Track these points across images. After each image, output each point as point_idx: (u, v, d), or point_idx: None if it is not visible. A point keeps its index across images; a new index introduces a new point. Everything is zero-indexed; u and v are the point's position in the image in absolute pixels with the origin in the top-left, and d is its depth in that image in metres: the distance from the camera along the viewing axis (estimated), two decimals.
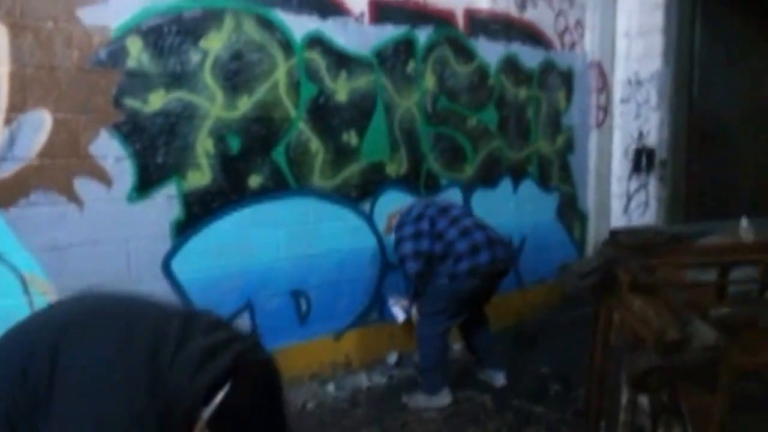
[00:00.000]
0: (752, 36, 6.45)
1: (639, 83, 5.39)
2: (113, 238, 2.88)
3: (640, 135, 5.41)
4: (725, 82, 6.04)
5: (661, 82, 5.28)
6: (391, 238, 3.54)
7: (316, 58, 3.54)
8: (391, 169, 3.99)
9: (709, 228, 3.85)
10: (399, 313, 3.79)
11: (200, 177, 3.12)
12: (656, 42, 5.27)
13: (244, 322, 3.34)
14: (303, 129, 3.51)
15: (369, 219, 3.91)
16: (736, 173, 6.25)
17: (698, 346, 1.28)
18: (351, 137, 3.74)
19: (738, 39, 6.22)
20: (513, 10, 4.63)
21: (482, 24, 4.42)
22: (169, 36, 2.96)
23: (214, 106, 3.13)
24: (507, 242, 3.46)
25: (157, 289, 3.02)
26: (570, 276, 1.81)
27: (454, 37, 4.26)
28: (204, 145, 3.11)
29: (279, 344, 3.48)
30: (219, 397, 1.17)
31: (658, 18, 5.24)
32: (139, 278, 2.97)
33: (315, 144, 3.57)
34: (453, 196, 4.38)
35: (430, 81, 4.14)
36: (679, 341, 1.32)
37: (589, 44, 5.29)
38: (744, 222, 3.27)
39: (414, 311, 3.57)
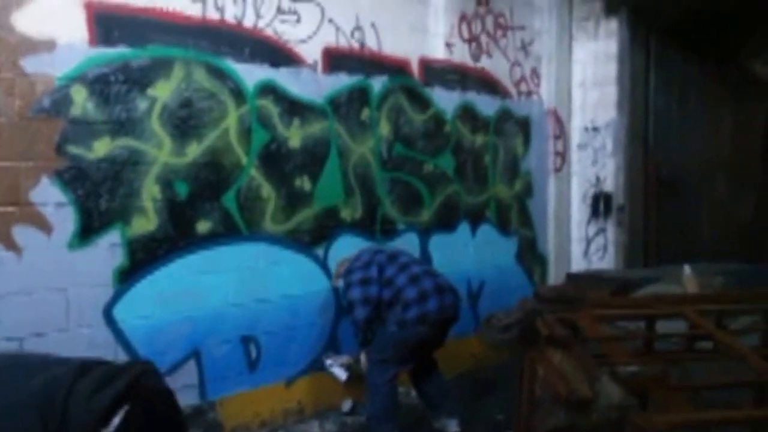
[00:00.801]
0: (705, 84, 6.69)
1: (595, 130, 5.52)
2: (52, 285, 2.82)
3: (598, 180, 5.51)
4: (680, 129, 6.22)
5: (617, 130, 5.41)
6: (341, 284, 3.51)
7: (269, 105, 3.57)
8: (346, 214, 3.99)
9: (659, 273, 3.91)
10: (341, 373, 3.67)
11: (146, 223, 3.08)
12: (611, 92, 5.43)
13: (190, 370, 3.26)
14: (254, 175, 3.51)
15: (323, 264, 3.88)
16: (693, 217, 6.37)
17: (604, 405, 1.26)
18: (304, 183, 3.75)
19: (692, 88, 6.43)
20: (468, 60, 4.74)
21: (437, 73, 4.52)
22: (115, 84, 2.97)
23: (162, 152, 3.13)
24: (454, 290, 3.43)
25: (98, 337, 2.94)
26: (491, 329, 1.79)
27: (410, 86, 4.34)
28: (150, 192, 3.09)
29: (227, 392, 3.41)
30: (117, 418, 1.30)
31: (611, 69, 5.41)
32: (79, 326, 2.89)
33: (267, 189, 3.57)
34: (410, 240, 4.39)
35: (385, 128, 4.19)
36: (586, 400, 1.30)
37: (546, 93, 5.42)
38: (687, 269, 3.32)
39: (363, 359, 3.50)
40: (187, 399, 3.22)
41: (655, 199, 5.82)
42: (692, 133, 6.39)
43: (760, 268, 4.94)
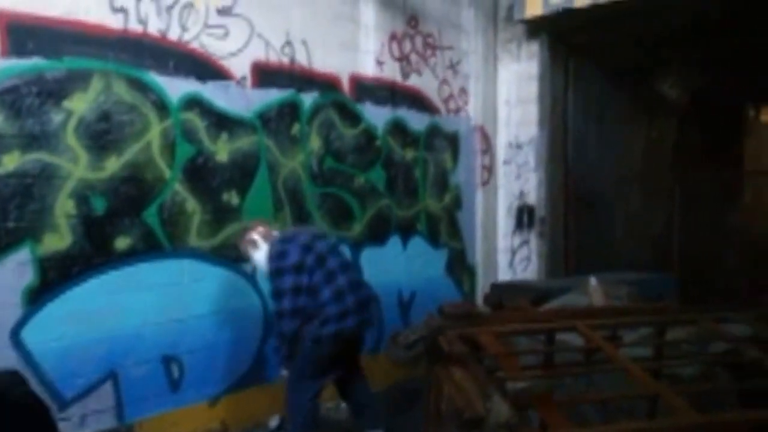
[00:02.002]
0: (620, 104, 6.98)
1: (519, 147, 5.64)
2: None
3: (521, 194, 5.62)
4: (597, 145, 6.45)
5: (538, 146, 5.54)
6: (258, 258, 3.28)
7: (194, 119, 3.43)
8: (275, 228, 3.88)
9: (572, 283, 4.01)
10: None
11: (59, 240, 2.89)
12: (532, 110, 5.55)
13: (106, 392, 3.07)
14: (178, 189, 3.36)
15: (251, 279, 3.77)
16: (609, 228, 6.61)
17: (493, 424, 1.25)
18: (232, 197, 3.63)
19: (607, 106, 6.70)
20: (398, 77, 4.75)
21: (368, 89, 4.49)
22: (28, 96, 2.78)
23: (78, 167, 2.94)
24: (376, 300, 3.39)
25: (4, 359, 2.72)
26: (397, 346, 1.76)
27: (340, 101, 4.29)
28: (64, 207, 2.90)
29: (147, 414, 3.24)
30: None
31: (533, 89, 5.54)
32: None
33: (192, 204, 3.42)
34: None
35: (315, 142, 4.12)
36: (478, 418, 1.28)
37: (473, 110, 5.49)
38: (593, 280, 3.41)
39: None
40: (103, 422, 3.05)
41: (574, 211, 6.00)
42: (608, 149, 6.64)
43: (664, 277, 5.17)
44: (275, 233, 3.31)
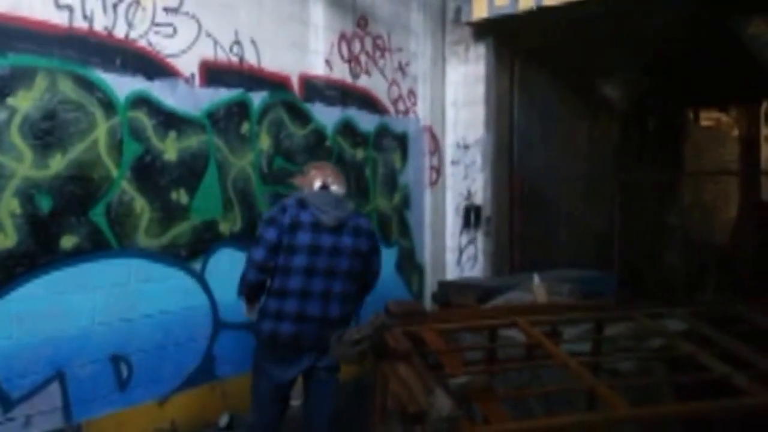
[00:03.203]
0: (564, 105, 7.36)
1: (466, 147, 5.91)
2: None
3: (469, 194, 5.89)
4: (542, 146, 6.79)
5: (484, 147, 5.82)
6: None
7: (142, 117, 3.50)
8: (225, 228, 3.99)
9: (517, 281, 4.27)
10: None
11: (3, 240, 2.91)
12: (479, 112, 5.83)
13: (53, 393, 3.11)
14: (126, 188, 3.42)
15: (201, 278, 3.86)
16: (553, 228, 6.98)
17: (435, 418, 1.38)
18: (181, 196, 3.71)
19: (552, 107, 7.06)
20: (348, 78, 4.92)
21: (317, 89, 4.64)
22: None
23: (22, 165, 2.98)
24: (330, 320, 2.95)
25: None
26: (343, 344, 1.90)
27: (290, 101, 4.42)
28: (8, 206, 2.93)
29: (95, 414, 3.29)
30: None
31: (479, 90, 5.82)
32: None
33: (140, 203, 3.49)
34: None
35: (265, 142, 4.24)
36: (419, 413, 1.42)
37: (422, 111, 5.73)
38: (536, 278, 3.67)
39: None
40: (50, 423, 3.09)
41: (519, 211, 6.31)
42: (553, 150, 7.00)
43: (605, 275, 5.52)
44: (317, 184, 3.09)
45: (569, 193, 7.26)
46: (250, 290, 3.04)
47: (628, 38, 6.92)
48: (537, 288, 3.54)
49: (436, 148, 5.88)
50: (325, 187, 3.10)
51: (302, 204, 2.95)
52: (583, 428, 1.94)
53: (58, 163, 3.12)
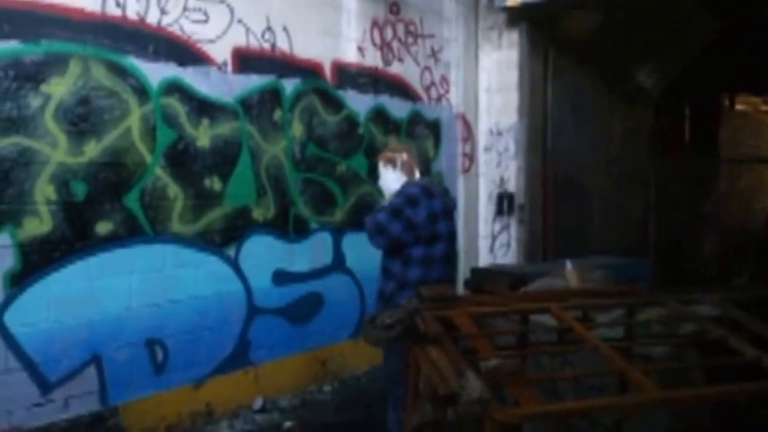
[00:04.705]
0: (598, 92, 7.03)
1: (499, 134, 5.66)
2: None
3: (502, 181, 5.65)
4: (575, 133, 6.49)
5: (518, 134, 5.56)
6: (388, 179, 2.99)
7: (175, 104, 3.39)
8: (258, 214, 3.87)
9: (550, 268, 4.04)
10: None
11: (39, 225, 2.84)
12: (512, 98, 5.57)
13: (90, 376, 3.04)
14: (160, 174, 3.32)
15: (234, 263, 3.75)
16: (587, 215, 6.68)
17: (466, 400, 1.26)
18: (214, 182, 3.60)
19: (586, 94, 6.74)
20: (380, 65, 4.72)
21: (350, 76, 4.47)
22: (5, 80, 2.72)
23: (57, 151, 2.89)
24: None
25: None
26: (375, 327, 1.76)
27: (322, 88, 4.26)
28: (44, 192, 2.85)
29: (131, 397, 3.22)
30: None
31: (513, 77, 5.55)
32: None
33: (174, 189, 3.39)
34: (323, 239, 4.32)
35: (297, 129, 4.09)
36: (450, 395, 1.29)
37: (454, 98, 5.50)
38: (568, 264, 3.45)
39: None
40: (87, 406, 3.03)
41: (552, 198, 6.04)
42: (586, 136, 6.69)
43: (639, 262, 5.25)
44: (418, 176, 3.03)
45: (603, 180, 6.94)
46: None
47: (662, 23, 6.55)
48: (569, 274, 3.32)
49: (469, 135, 5.65)
50: (420, 172, 3.08)
51: (429, 193, 2.84)
52: (616, 411, 1.88)
53: (92, 150, 3.03)
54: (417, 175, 3.02)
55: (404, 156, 3.01)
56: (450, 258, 2.97)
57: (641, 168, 8.05)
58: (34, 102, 2.81)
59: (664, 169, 8.00)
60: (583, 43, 6.20)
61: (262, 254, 3.88)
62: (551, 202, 5.98)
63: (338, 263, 4.42)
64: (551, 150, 5.97)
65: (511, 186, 5.61)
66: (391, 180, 2.99)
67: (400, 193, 2.85)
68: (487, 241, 5.76)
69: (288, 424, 3.60)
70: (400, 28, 4.88)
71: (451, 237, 2.95)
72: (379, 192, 3.26)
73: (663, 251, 7.90)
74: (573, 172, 6.29)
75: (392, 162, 3.00)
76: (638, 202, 8.05)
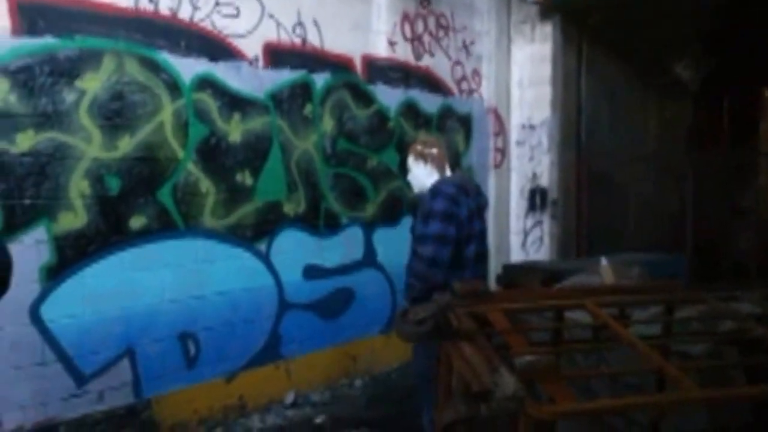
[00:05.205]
0: (633, 85, 6.79)
1: (532, 128, 5.50)
2: None
3: (534, 176, 5.50)
4: (610, 127, 6.28)
5: (551, 128, 5.40)
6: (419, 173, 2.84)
7: (207, 99, 3.35)
8: (289, 209, 3.82)
9: (584, 264, 3.90)
10: None
11: (74, 219, 2.84)
12: (545, 92, 5.41)
13: (123, 368, 3.04)
14: (192, 169, 3.30)
15: (266, 258, 3.71)
16: (622, 210, 6.46)
17: (500, 397, 1.17)
18: (245, 177, 3.56)
19: (620, 88, 6.52)
20: (411, 58, 4.62)
21: (380, 70, 4.38)
22: (40, 76, 2.72)
23: (91, 146, 2.89)
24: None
25: (24, 336, 2.70)
26: (407, 322, 1.68)
27: (353, 82, 4.19)
28: (79, 187, 2.85)
29: (164, 389, 3.21)
30: None
31: (546, 70, 5.39)
32: (2, 325, 2.65)
33: (205, 184, 3.36)
34: (354, 234, 4.26)
35: (328, 123, 4.03)
36: (484, 392, 1.21)
37: (486, 92, 5.36)
38: (603, 261, 3.30)
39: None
40: (120, 398, 3.02)
41: (586, 193, 5.85)
42: (621, 130, 6.47)
43: (676, 258, 5.04)
44: (448, 172, 2.88)
45: (639, 175, 6.71)
46: (427, 292, 2.48)
47: (700, 14, 6.28)
48: (604, 271, 3.17)
49: (501, 129, 5.51)
50: (452, 166, 2.95)
51: (465, 191, 2.71)
52: (653, 409, 1.83)
53: (126, 145, 3.01)
54: (447, 170, 2.89)
55: (434, 151, 2.87)
56: (482, 257, 2.84)
57: (678, 162, 7.76)
58: (69, 97, 2.81)
59: (702, 163, 7.69)
60: (618, 35, 5.99)
61: (292, 249, 3.83)
62: (585, 197, 5.79)
63: (369, 258, 4.35)
64: (585, 144, 5.78)
65: (544, 181, 5.45)
66: (422, 176, 2.86)
67: (438, 192, 2.65)
68: (519, 237, 5.61)
69: (319, 419, 3.54)
70: (431, 21, 4.77)
71: (483, 236, 2.84)
72: (408, 186, 3.14)
73: (700, 247, 7.60)
74: (607, 167, 6.09)
75: (423, 157, 2.86)
76: (674, 197, 7.77)
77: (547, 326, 2.22)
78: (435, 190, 2.67)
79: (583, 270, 3.41)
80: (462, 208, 2.63)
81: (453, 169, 2.94)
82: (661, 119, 7.60)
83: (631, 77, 6.64)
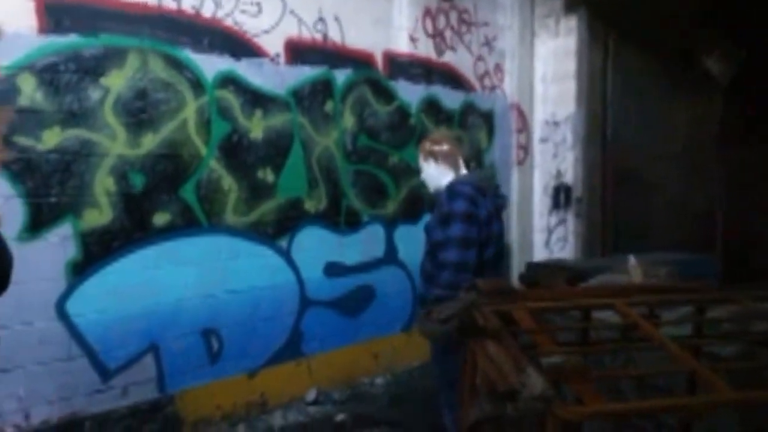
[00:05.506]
0: (661, 80, 6.64)
1: (556, 125, 5.42)
2: None
3: (558, 173, 5.42)
4: (637, 123, 6.16)
5: (576, 124, 5.31)
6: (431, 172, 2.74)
7: (229, 96, 3.38)
8: (310, 206, 3.82)
9: (610, 263, 3.83)
10: None
11: (99, 216, 2.88)
12: (570, 87, 5.32)
13: (147, 364, 3.08)
14: (215, 167, 3.32)
15: (287, 255, 3.72)
16: (649, 208, 6.33)
17: (527, 396, 1.15)
18: (267, 174, 3.58)
19: (648, 83, 6.38)
20: (432, 54, 4.59)
21: (402, 66, 4.36)
22: (66, 73, 2.76)
23: (116, 143, 2.93)
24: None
25: (50, 331, 2.75)
26: (430, 321, 1.66)
27: (374, 79, 4.17)
28: (104, 184, 2.89)
29: (187, 385, 3.24)
30: None
31: (570, 65, 5.30)
32: (30, 321, 2.70)
33: (227, 181, 3.38)
34: (375, 231, 4.24)
35: (349, 120, 4.02)
36: (510, 391, 1.18)
37: (509, 87, 5.30)
38: (632, 259, 3.24)
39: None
40: (144, 393, 3.06)
41: (612, 190, 5.75)
42: (649, 126, 6.34)
43: (706, 258, 4.92)
44: (463, 170, 2.74)
45: (667, 172, 6.56)
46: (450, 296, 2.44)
47: (731, 6, 6.11)
48: (633, 270, 3.11)
49: (524, 126, 5.44)
50: (467, 163, 2.76)
51: (482, 191, 2.58)
52: (684, 412, 1.76)
53: (149, 142, 3.05)
54: (462, 168, 2.73)
55: (445, 147, 2.71)
56: (499, 259, 2.71)
57: (707, 159, 7.58)
58: (94, 95, 2.85)
59: (734, 160, 7.50)
60: (645, 28, 5.87)
61: (314, 246, 3.83)
62: (610, 194, 5.69)
63: (390, 256, 4.34)
64: (611, 141, 5.68)
65: (569, 178, 5.36)
66: (434, 175, 2.73)
67: (456, 193, 2.51)
68: (543, 235, 5.54)
69: (341, 417, 3.55)
70: (453, 17, 4.73)
71: (500, 237, 2.69)
72: (424, 185, 3.00)
73: (730, 247, 7.42)
74: (634, 164, 5.97)
75: (432, 155, 2.73)
76: (702, 195, 7.59)
77: (575, 326, 2.18)
78: (452, 191, 2.54)
79: (609, 269, 3.36)
80: (481, 210, 2.52)
81: (468, 165, 2.79)
82: (690, 115, 7.42)
83: (659, 72, 6.50)
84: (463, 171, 2.73)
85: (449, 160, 2.71)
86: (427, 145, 2.78)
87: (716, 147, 7.75)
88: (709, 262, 4.89)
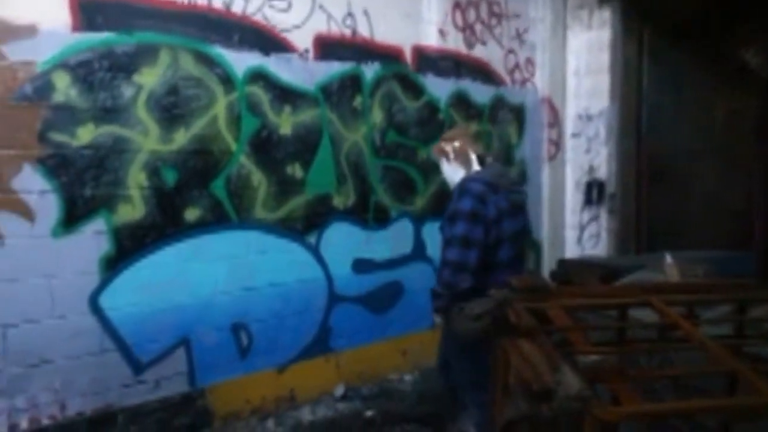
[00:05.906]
0: (698, 73, 6.45)
1: (589, 119, 5.31)
2: (36, 273, 2.67)
3: (591, 168, 5.31)
4: (673, 117, 5.99)
5: (609, 119, 5.20)
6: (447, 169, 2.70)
7: (259, 92, 3.39)
8: (339, 201, 3.82)
9: (645, 261, 3.73)
10: None
11: (132, 211, 2.92)
12: (604, 81, 5.20)
13: (179, 358, 3.11)
14: (244, 162, 3.34)
15: (315, 251, 3.73)
16: (685, 205, 6.16)
17: (564, 396, 1.11)
18: (296, 170, 3.58)
19: (684, 76, 6.20)
20: (462, 48, 4.54)
21: (431, 61, 4.32)
22: (99, 71, 2.80)
23: (148, 139, 2.96)
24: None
25: (84, 325, 2.80)
26: (463, 318, 1.63)
27: (403, 73, 4.14)
28: (136, 179, 2.93)
29: (218, 379, 3.27)
30: None
31: (604, 58, 5.19)
32: (64, 314, 2.75)
33: (257, 177, 3.40)
34: (403, 227, 4.22)
35: (377, 115, 4.00)
36: (546, 391, 1.15)
37: (540, 81, 5.21)
38: (668, 258, 3.14)
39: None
40: (176, 387, 3.10)
41: (647, 186, 5.61)
42: (685, 121, 6.17)
43: (743, 256, 4.76)
44: (473, 156, 2.67)
45: (704, 168, 6.38)
46: (455, 298, 2.37)
47: None
48: (669, 268, 3.02)
49: (556, 120, 5.35)
50: (481, 158, 2.67)
51: (494, 188, 2.46)
52: (724, 414, 1.75)
53: (181, 138, 3.07)
54: (475, 164, 2.63)
55: (456, 144, 2.64)
56: (518, 259, 2.56)
57: (745, 154, 7.34)
58: (127, 91, 2.88)
59: None
60: (682, 20, 5.70)
61: (342, 242, 3.83)
62: (645, 190, 5.55)
63: (418, 252, 4.31)
64: (646, 135, 5.54)
65: (602, 173, 5.25)
66: (449, 173, 2.69)
67: (465, 190, 2.43)
68: (575, 231, 5.44)
69: (369, 413, 3.54)
70: (483, 9, 4.66)
71: (518, 236, 2.53)
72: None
73: None
74: (669, 159, 5.82)
75: (444, 153, 2.68)
76: (740, 192, 7.36)
77: (610, 324, 2.13)
78: (462, 188, 2.46)
79: (644, 267, 3.27)
80: (489, 208, 2.40)
81: (482, 161, 2.67)
82: (727, 109, 7.20)
83: (695, 65, 6.32)
84: (476, 167, 2.64)
85: (460, 157, 2.65)
86: (441, 143, 2.74)
87: (754, 142, 7.50)
88: (747, 259, 4.73)
